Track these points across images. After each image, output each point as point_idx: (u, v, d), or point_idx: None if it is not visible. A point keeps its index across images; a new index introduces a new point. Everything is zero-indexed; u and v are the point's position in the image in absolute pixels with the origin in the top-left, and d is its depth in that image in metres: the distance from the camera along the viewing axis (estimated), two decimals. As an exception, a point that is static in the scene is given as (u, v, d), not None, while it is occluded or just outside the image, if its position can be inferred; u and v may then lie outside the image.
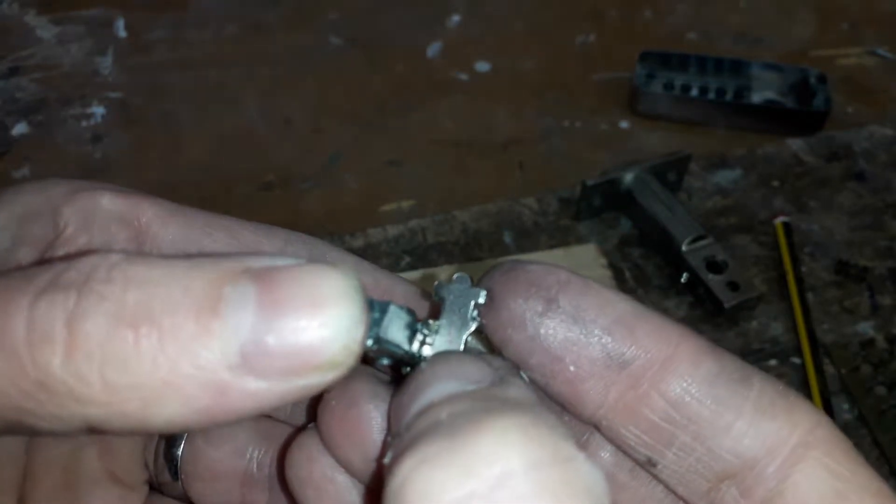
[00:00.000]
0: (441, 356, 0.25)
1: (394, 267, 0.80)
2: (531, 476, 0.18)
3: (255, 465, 0.32)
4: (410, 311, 0.27)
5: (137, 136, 0.97)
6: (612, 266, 0.79)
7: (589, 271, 0.78)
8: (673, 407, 0.25)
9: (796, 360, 0.73)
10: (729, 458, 0.25)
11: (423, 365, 0.25)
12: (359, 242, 0.82)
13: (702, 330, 0.76)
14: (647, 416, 0.25)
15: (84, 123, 0.98)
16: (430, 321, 0.27)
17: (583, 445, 0.28)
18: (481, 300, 0.27)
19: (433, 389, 0.23)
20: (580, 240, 0.83)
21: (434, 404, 0.22)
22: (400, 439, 0.21)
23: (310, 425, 0.29)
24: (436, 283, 0.28)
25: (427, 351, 0.27)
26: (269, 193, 0.90)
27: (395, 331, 0.26)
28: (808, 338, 0.73)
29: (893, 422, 0.69)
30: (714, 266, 0.77)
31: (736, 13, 1.15)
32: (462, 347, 0.27)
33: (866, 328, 0.76)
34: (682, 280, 0.78)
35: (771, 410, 0.25)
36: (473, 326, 0.27)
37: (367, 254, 0.81)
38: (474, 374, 0.23)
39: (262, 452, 0.32)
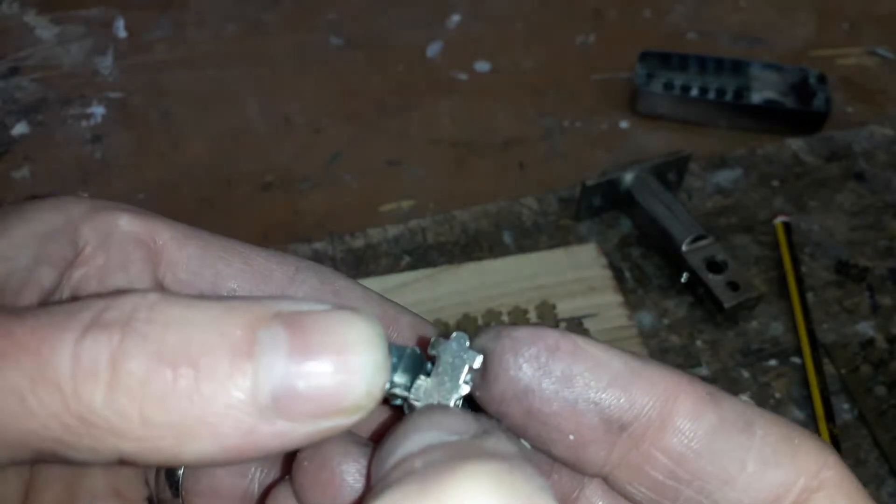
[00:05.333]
0: (424, 409, 0.25)
1: (394, 267, 0.80)
2: None
3: (256, 486, 0.32)
4: (420, 355, 0.27)
5: (137, 136, 0.97)
6: (612, 266, 0.79)
7: (589, 271, 0.78)
8: (675, 464, 0.25)
9: (796, 360, 0.73)
10: None
11: (405, 418, 0.24)
12: (359, 242, 0.82)
13: (702, 330, 0.76)
14: (651, 475, 0.25)
15: (84, 123, 0.98)
16: (429, 366, 0.27)
17: (577, 496, 0.28)
18: (476, 365, 0.26)
19: (411, 441, 0.22)
20: (580, 240, 0.83)
21: (411, 455, 0.21)
22: (373, 490, 0.21)
23: (285, 477, 0.29)
24: (432, 338, 0.27)
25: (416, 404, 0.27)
26: (269, 193, 0.90)
27: (404, 376, 0.27)
28: (808, 338, 0.73)
29: (893, 422, 0.69)
30: (714, 266, 0.77)
31: (736, 13, 1.15)
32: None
33: (866, 328, 0.76)
34: (682, 280, 0.78)
35: (774, 458, 0.25)
36: (465, 391, 0.27)
37: (367, 254, 0.81)
38: (457, 425, 0.23)
39: (264, 473, 0.32)
